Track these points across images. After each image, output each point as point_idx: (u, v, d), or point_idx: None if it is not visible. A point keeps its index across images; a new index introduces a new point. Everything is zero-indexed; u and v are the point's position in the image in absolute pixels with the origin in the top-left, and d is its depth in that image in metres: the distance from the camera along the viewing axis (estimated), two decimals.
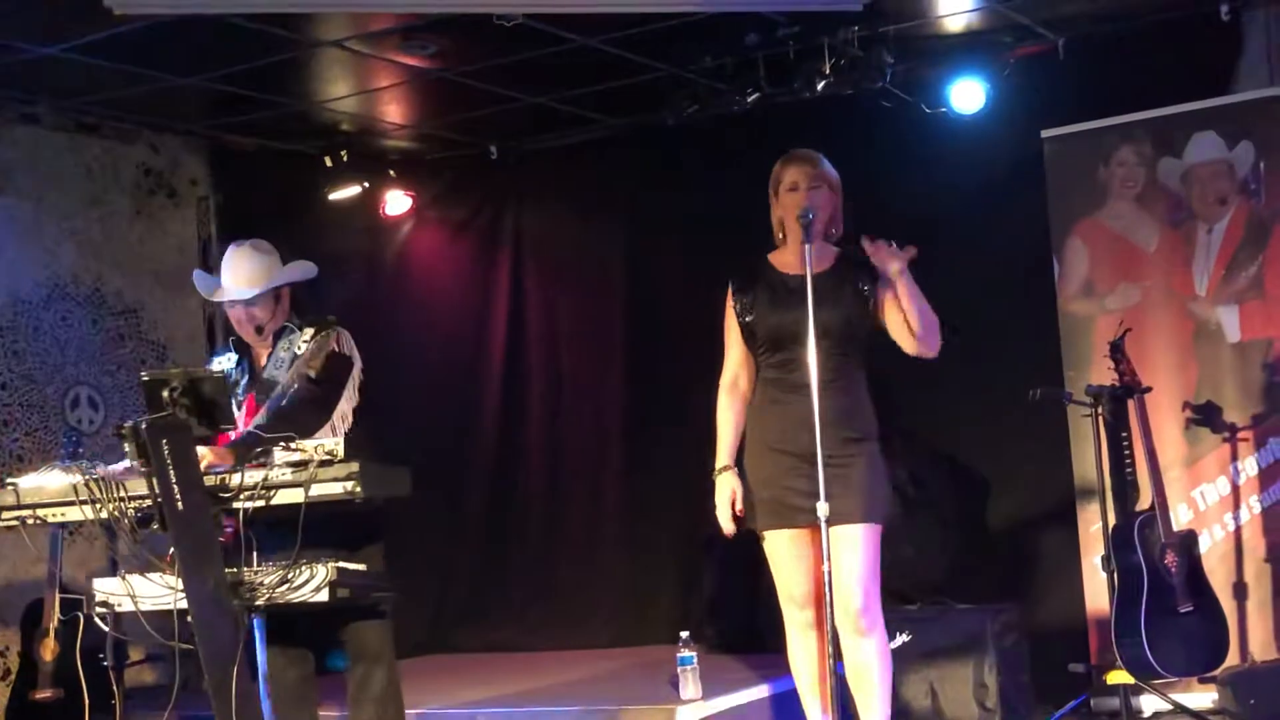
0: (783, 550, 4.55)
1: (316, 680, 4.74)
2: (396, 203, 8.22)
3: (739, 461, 4.63)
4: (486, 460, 8.14)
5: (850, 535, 4.42)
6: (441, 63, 6.70)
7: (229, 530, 4.04)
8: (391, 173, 8.15)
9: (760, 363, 4.61)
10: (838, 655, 4.40)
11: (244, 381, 4.69)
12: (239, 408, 4.60)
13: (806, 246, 4.35)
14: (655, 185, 7.72)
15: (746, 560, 7.14)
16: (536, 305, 8.13)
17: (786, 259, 4.60)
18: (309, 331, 4.66)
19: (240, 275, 4.68)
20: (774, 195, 4.62)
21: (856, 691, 4.56)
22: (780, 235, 4.64)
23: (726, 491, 4.58)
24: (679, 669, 5.53)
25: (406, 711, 4.89)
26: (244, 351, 4.77)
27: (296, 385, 4.45)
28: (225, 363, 4.75)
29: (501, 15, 5.77)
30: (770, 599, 4.74)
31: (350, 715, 4.67)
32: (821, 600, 4.42)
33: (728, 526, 4.57)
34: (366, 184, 8.00)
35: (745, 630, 6.95)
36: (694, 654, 5.55)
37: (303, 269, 4.82)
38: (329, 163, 7.87)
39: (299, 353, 4.62)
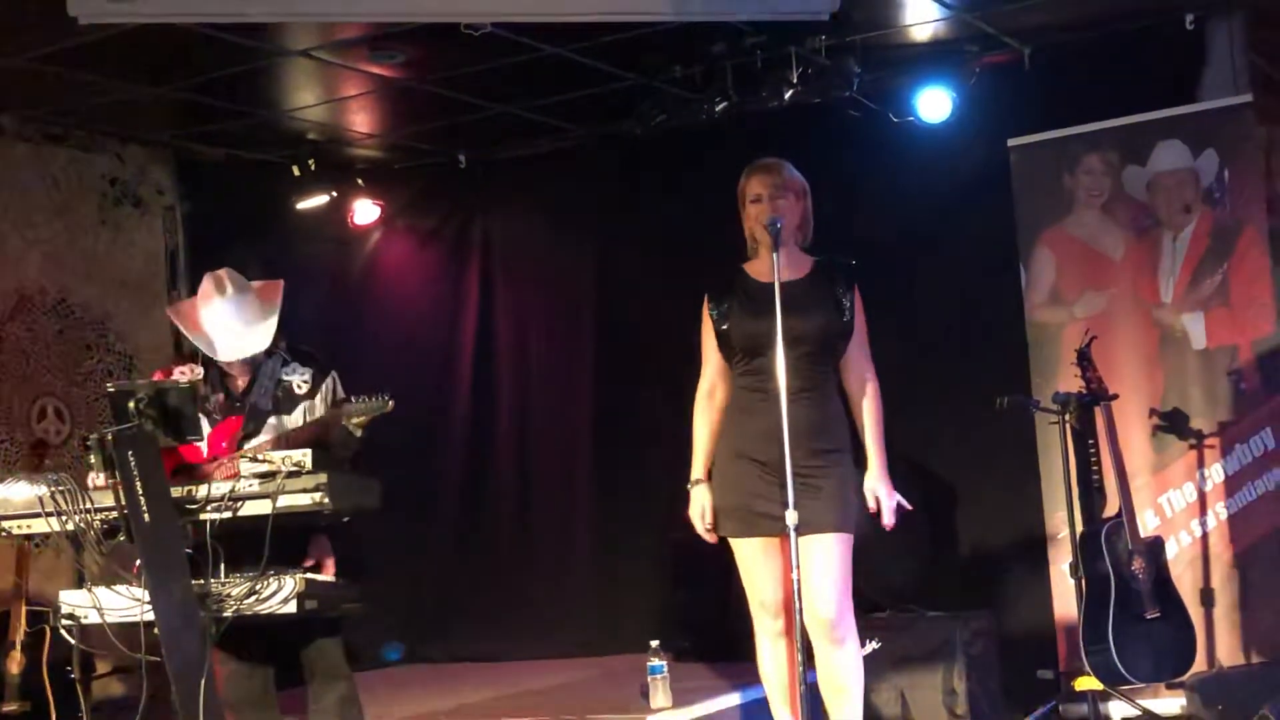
0: (752, 558, 4.56)
1: (275, 690, 4.71)
2: (365, 212, 8.20)
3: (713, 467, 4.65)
4: (456, 470, 8.12)
5: (822, 545, 4.43)
6: (409, 72, 6.69)
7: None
8: (360, 182, 8.14)
9: (735, 370, 4.61)
10: (809, 663, 4.41)
11: (217, 398, 4.63)
12: (212, 425, 4.55)
13: (775, 255, 4.37)
14: (624, 194, 7.73)
15: (716, 569, 7.11)
16: (505, 314, 8.13)
17: (760, 268, 4.61)
18: (302, 370, 4.65)
19: (244, 331, 4.56)
20: (742, 207, 4.63)
21: (828, 699, 4.57)
22: (753, 246, 4.65)
23: (698, 506, 4.62)
24: (649, 678, 5.52)
25: None
26: (213, 365, 4.70)
27: (343, 440, 4.40)
28: (188, 374, 4.70)
29: (469, 24, 5.76)
30: (740, 607, 4.74)
31: None
32: (792, 608, 4.43)
33: (707, 536, 4.62)
34: (335, 193, 7.98)
35: (715, 639, 6.94)
36: (664, 662, 5.54)
37: (279, 292, 4.74)
38: (297, 172, 7.85)
39: (298, 392, 4.61)
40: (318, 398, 4.65)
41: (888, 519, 4.52)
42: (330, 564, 4.53)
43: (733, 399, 4.63)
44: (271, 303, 4.63)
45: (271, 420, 4.57)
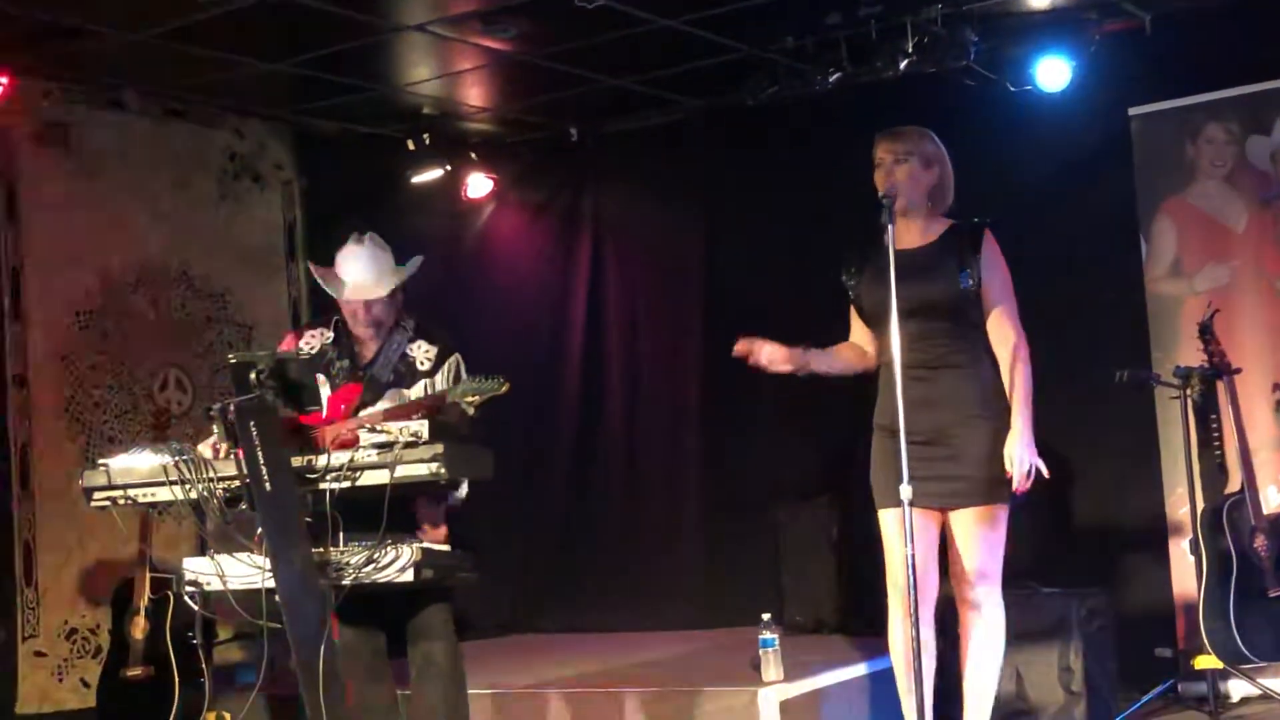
0: (894, 531, 4.53)
1: (387, 658, 4.78)
2: (478, 185, 8.25)
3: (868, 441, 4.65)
4: (567, 441, 8.16)
5: (966, 517, 4.42)
6: (522, 45, 6.71)
7: None
8: (473, 155, 8.18)
9: (879, 342, 4.58)
10: (951, 631, 4.39)
11: (343, 365, 4.74)
12: (333, 389, 4.64)
13: (889, 227, 4.33)
14: (735, 167, 7.69)
15: (828, 543, 7.14)
16: (615, 287, 8.13)
17: (898, 233, 4.57)
18: (427, 347, 4.78)
19: (371, 274, 4.75)
20: None
21: (965, 666, 4.57)
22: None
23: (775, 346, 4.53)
24: (760, 651, 5.51)
25: (487, 691, 4.91)
26: (342, 332, 4.82)
27: (456, 418, 4.50)
28: (318, 338, 4.81)
29: None
30: (851, 582, 4.74)
31: (413, 693, 4.68)
32: (927, 585, 4.44)
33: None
34: (448, 167, 8.04)
35: (827, 612, 6.93)
36: (776, 636, 5.53)
37: (415, 265, 4.89)
38: (411, 146, 7.91)
39: (420, 368, 4.74)
40: (439, 375, 4.75)
41: (1016, 484, 4.42)
42: (436, 531, 4.58)
43: (881, 371, 4.60)
44: (384, 252, 4.81)
45: (391, 392, 4.64)
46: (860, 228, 4.63)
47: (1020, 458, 4.41)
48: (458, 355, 4.82)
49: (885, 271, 4.33)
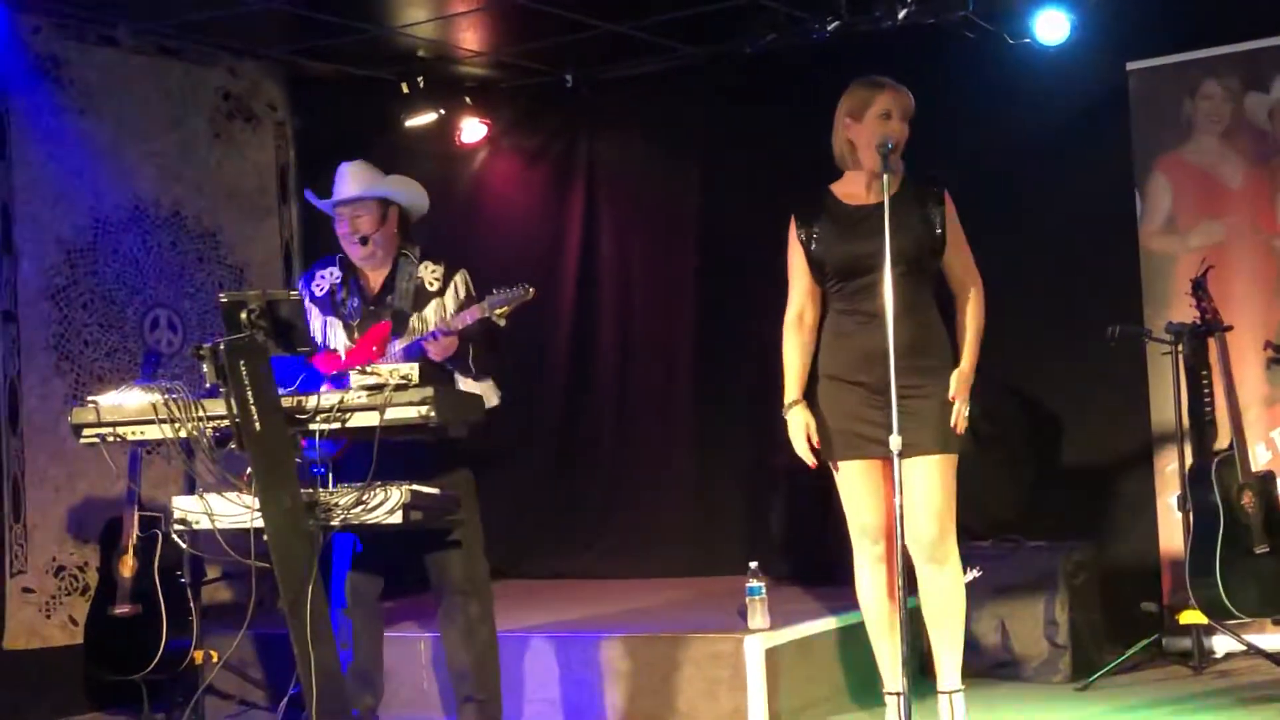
0: (855, 481, 4.55)
1: (380, 611, 4.84)
2: (472, 130, 8.20)
3: (811, 393, 4.63)
4: (557, 390, 8.15)
5: (925, 466, 4.42)
6: None
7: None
8: (468, 100, 8.13)
9: (829, 295, 4.58)
10: (910, 589, 4.40)
11: (353, 303, 4.77)
12: (356, 330, 4.69)
13: (885, 176, 4.33)
14: (732, 115, 7.66)
15: (816, 491, 7.12)
16: (609, 235, 8.11)
17: (849, 189, 4.57)
18: (433, 267, 4.85)
19: (347, 181, 4.90)
20: (852, 119, 4.55)
21: (930, 623, 4.57)
22: (843, 161, 4.59)
23: (800, 426, 4.59)
24: (747, 599, 5.54)
25: None
26: (349, 271, 4.85)
27: (489, 331, 4.60)
28: (327, 279, 4.86)
29: None
30: (840, 531, 4.75)
31: (443, 642, 4.84)
32: (893, 533, 4.43)
33: (808, 459, 4.58)
34: (442, 111, 7.99)
35: (814, 562, 6.95)
36: (762, 584, 5.56)
37: (409, 193, 4.96)
38: (405, 89, 7.86)
39: (430, 289, 4.81)
40: (448, 294, 4.83)
41: (952, 419, 4.46)
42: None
43: (829, 326, 4.60)
44: (367, 167, 4.98)
45: (412, 321, 4.69)
46: (811, 183, 4.63)
47: (966, 396, 4.48)
48: (464, 271, 4.90)
49: (846, 226, 4.42)
